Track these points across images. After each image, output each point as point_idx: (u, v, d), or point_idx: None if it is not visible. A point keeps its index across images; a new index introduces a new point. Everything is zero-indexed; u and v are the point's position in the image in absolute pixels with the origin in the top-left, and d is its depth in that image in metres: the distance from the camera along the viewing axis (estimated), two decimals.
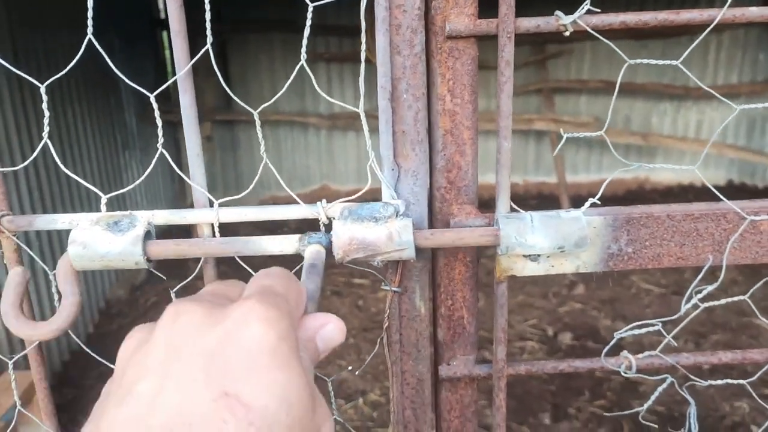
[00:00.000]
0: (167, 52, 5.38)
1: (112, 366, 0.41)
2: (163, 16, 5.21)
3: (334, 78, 5.37)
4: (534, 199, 5.69)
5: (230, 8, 4.82)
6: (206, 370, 0.35)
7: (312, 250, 0.55)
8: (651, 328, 0.51)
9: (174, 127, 5.40)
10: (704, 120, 5.57)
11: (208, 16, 0.48)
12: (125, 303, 4.04)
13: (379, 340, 0.61)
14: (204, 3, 0.51)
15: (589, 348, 3.51)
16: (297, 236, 0.54)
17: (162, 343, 0.37)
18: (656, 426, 2.82)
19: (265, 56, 5.25)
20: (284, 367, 0.35)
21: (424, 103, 0.52)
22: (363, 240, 0.51)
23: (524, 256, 0.52)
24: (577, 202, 5.33)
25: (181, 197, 5.50)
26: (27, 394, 2.31)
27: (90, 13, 0.49)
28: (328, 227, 0.54)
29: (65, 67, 0.55)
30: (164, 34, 5.30)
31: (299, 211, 0.54)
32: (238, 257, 0.55)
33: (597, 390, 3.11)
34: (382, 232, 0.51)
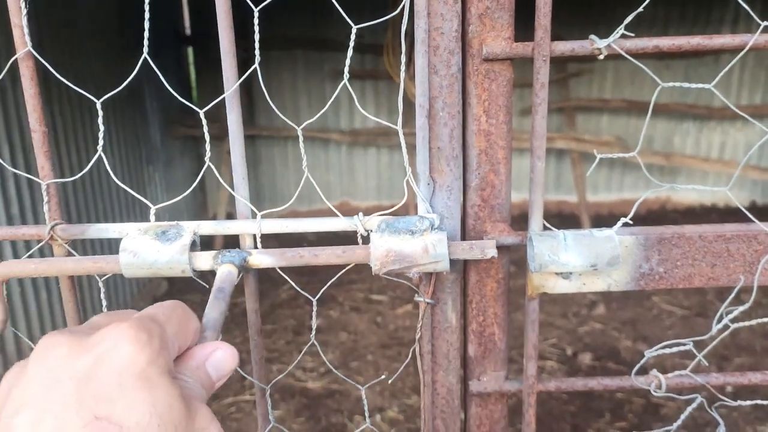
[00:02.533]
0: (192, 68, 5.47)
1: None
2: (189, 32, 5.30)
3: (356, 94, 5.42)
4: (554, 218, 5.67)
5: (249, 24, 4.89)
6: (78, 397, 0.36)
7: (223, 271, 0.57)
8: (681, 348, 0.52)
9: (197, 141, 5.47)
10: (728, 141, 5.53)
11: (257, 36, 0.50)
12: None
13: (411, 350, 0.62)
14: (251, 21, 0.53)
15: (609, 369, 3.47)
16: (212, 253, 0.57)
17: (36, 375, 0.38)
18: None
19: (287, 73, 5.31)
20: (153, 386, 0.38)
21: (459, 121, 0.54)
22: (400, 252, 0.52)
23: (556, 273, 0.53)
24: (597, 221, 5.31)
25: (202, 210, 5.56)
26: None
27: (146, 34, 0.51)
28: (365, 239, 0.55)
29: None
30: (189, 50, 5.40)
31: (338, 224, 0.55)
32: (287, 270, 0.57)
33: (618, 412, 3.08)
34: (418, 244, 0.53)
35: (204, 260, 0.56)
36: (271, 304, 4.10)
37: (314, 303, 0.65)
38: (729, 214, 5.71)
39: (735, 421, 2.93)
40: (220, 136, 4.93)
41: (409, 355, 0.63)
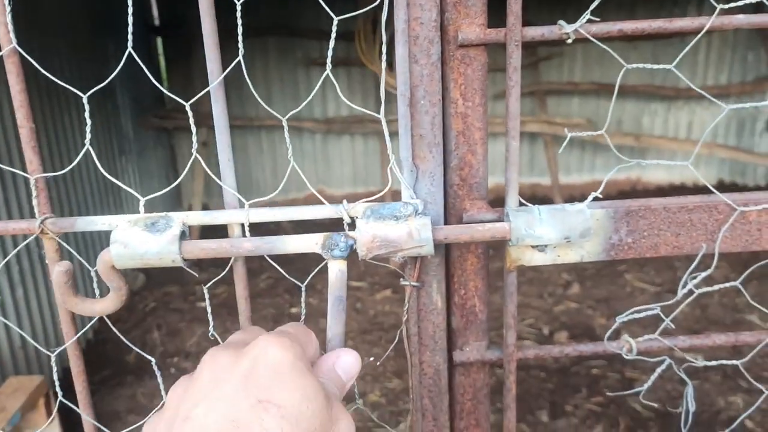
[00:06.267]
0: (162, 59, 5.41)
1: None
2: (157, 23, 5.24)
3: (328, 82, 5.41)
4: (528, 201, 5.70)
5: (223, 13, 4.85)
6: (243, 387, 0.44)
7: (336, 272, 0.57)
8: (650, 312, 0.56)
9: (168, 133, 5.43)
10: (695, 120, 5.65)
11: (240, 30, 0.51)
12: (124, 308, 4.05)
13: (398, 332, 0.65)
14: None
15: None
16: (322, 237, 0.58)
17: (206, 378, 0.46)
18: (653, 420, 2.86)
19: (259, 61, 5.28)
20: (302, 375, 0.46)
21: (440, 109, 0.56)
22: (385, 237, 0.54)
23: (533, 246, 0.56)
24: (569, 202, 5.37)
25: (176, 201, 5.53)
26: (32, 399, 2.33)
27: (130, 28, 0.53)
28: (351, 226, 0.57)
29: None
30: (158, 40, 5.34)
31: (324, 211, 0.58)
32: (268, 256, 0.59)
33: (594, 387, 3.16)
34: (402, 230, 0.55)
35: (313, 244, 0.58)
36: (249, 293, 4.09)
37: (303, 289, 0.67)
38: (698, 192, 5.83)
39: (707, 392, 3.03)
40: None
41: (396, 338, 0.65)
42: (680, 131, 5.67)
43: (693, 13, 5.32)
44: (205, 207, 5.29)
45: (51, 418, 2.31)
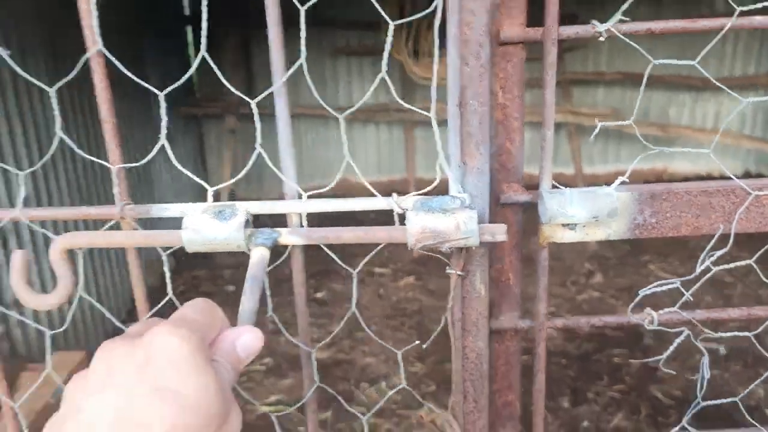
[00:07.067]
0: (191, 48, 5.51)
1: None
2: (188, 12, 5.33)
3: (354, 72, 5.47)
4: None
5: (254, 3, 4.92)
6: (139, 377, 0.44)
7: (256, 256, 0.62)
8: (671, 286, 0.62)
9: (198, 121, 5.53)
10: (722, 111, 5.61)
11: (302, 35, 0.58)
12: (155, 291, 4.18)
13: (443, 318, 0.69)
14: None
15: (607, 335, 3.59)
16: (249, 230, 0.63)
17: (100, 370, 0.46)
18: (674, 408, 2.90)
19: (287, 50, 5.34)
20: (199, 365, 0.46)
21: (488, 109, 0.60)
22: (434, 229, 0.59)
23: (563, 225, 0.62)
24: None
25: (204, 190, 5.63)
26: (73, 373, 2.44)
27: (204, 27, 0.59)
28: (395, 218, 0.63)
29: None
30: (189, 30, 5.43)
31: (376, 203, 0.63)
32: (324, 245, 0.65)
33: (615, 375, 3.20)
34: (450, 222, 0.59)
35: (238, 238, 0.62)
36: (276, 278, 4.19)
37: (354, 275, 0.72)
38: None
39: (727, 381, 3.06)
40: (221, 115, 5.00)
41: (442, 322, 0.69)
42: (707, 122, 5.64)
43: (721, 5, 5.28)
44: (232, 194, 5.40)
45: None
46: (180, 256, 4.54)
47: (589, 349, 3.49)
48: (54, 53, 3.13)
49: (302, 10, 0.60)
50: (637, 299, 0.64)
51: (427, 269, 4.47)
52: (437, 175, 0.62)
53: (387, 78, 0.60)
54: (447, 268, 0.67)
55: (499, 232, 0.60)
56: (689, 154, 5.51)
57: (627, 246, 4.49)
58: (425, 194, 0.62)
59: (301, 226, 0.67)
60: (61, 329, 0.80)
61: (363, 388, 3.16)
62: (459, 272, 0.67)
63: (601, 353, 3.45)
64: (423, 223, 0.59)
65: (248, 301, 0.58)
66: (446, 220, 0.59)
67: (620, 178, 0.62)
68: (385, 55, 0.58)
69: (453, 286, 0.68)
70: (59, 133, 0.65)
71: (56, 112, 0.67)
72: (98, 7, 0.63)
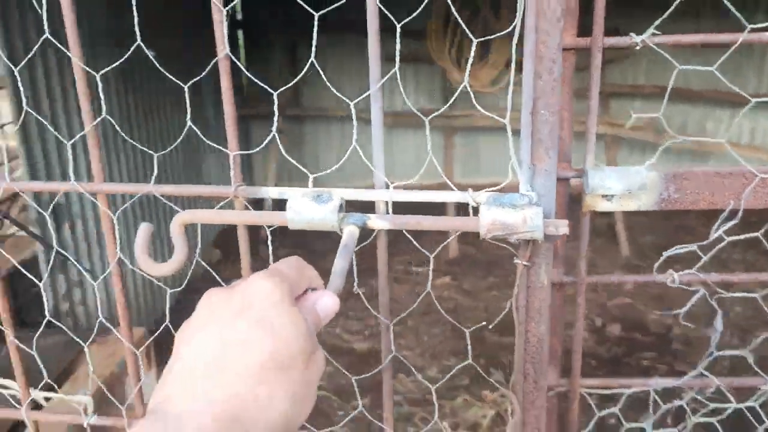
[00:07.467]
0: (242, 51, 5.76)
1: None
2: (240, 17, 5.58)
3: (394, 77, 5.66)
4: None
5: (301, 9, 5.11)
6: (239, 314, 0.50)
7: (347, 231, 0.70)
8: (690, 247, 0.76)
9: (244, 120, 5.76)
10: (758, 128, 5.65)
11: (398, 47, 0.74)
12: (202, 280, 4.40)
13: (508, 303, 0.79)
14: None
15: (637, 340, 3.69)
16: (342, 214, 0.71)
17: (203, 314, 0.52)
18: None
19: (336, 56, 5.56)
20: (288, 308, 0.51)
21: (558, 119, 0.68)
22: (503, 222, 0.67)
23: (602, 196, 0.77)
24: None
25: (249, 182, 5.84)
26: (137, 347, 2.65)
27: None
28: (470, 211, 0.73)
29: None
30: (240, 33, 5.68)
31: (454, 197, 0.73)
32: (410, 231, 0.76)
33: (644, 377, 3.29)
34: (518, 216, 0.66)
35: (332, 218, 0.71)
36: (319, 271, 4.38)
37: (431, 259, 0.81)
38: None
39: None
40: (267, 115, 5.24)
41: (507, 307, 0.78)
42: (743, 138, 5.68)
43: (761, 18, 5.32)
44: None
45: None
46: (225, 248, 4.76)
47: (619, 352, 3.59)
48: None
49: (398, 26, 0.76)
50: (662, 259, 0.79)
51: (462, 270, 4.61)
52: (494, 180, 0.74)
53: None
54: (514, 258, 0.74)
55: (561, 226, 0.69)
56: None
57: (656, 255, 4.56)
58: (497, 191, 0.71)
59: (387, 213, 0.78)
60: (179, 288, 0.96)
61: (399, 378, 3.31)
62: (525, 262, 0.74)
63: (630, 357, 3.55)
64: (494, 216, 0.67)
65: (340, 261, 0.66)
66: (515, 214, 0.67)
67: (649, 161, 0.77)
68: (467, 76, 0.73)
69: (519, 274, 0.76)
70: (189, 123, 0.81)
71: (188, 107, 0.82)
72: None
